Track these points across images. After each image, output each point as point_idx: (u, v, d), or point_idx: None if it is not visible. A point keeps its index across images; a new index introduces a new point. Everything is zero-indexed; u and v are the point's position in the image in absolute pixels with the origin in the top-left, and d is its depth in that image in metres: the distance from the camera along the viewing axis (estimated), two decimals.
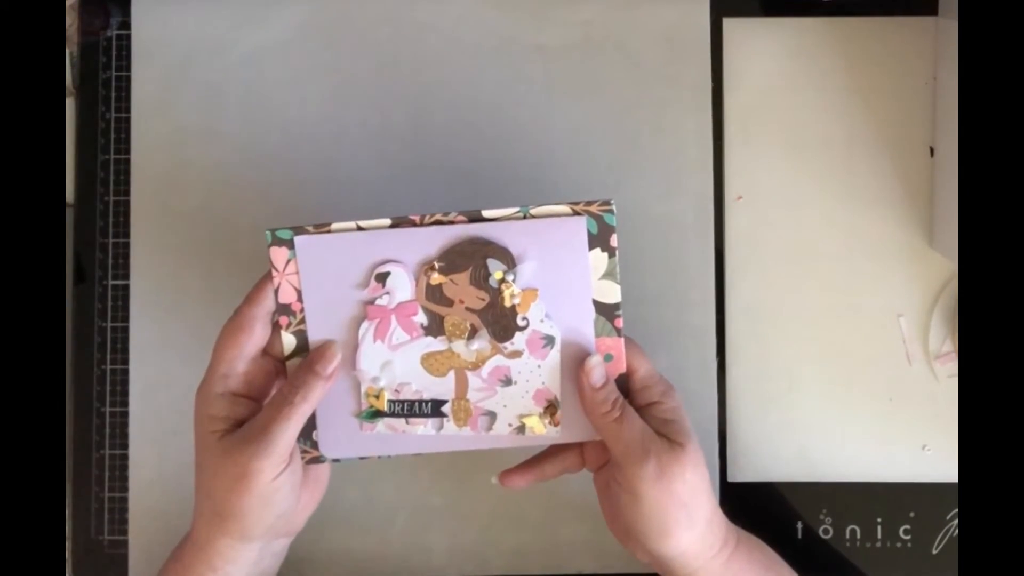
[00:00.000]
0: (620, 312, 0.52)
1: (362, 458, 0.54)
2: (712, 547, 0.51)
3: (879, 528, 0.60)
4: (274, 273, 0.52)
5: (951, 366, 0.61)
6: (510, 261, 0.52)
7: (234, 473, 0.48)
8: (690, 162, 0.61)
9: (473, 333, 0.52)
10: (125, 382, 0.61)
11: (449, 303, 0.52)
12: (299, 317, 0.52)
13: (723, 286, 0.61)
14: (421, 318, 0.52)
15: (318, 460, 0.53)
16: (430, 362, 0.52)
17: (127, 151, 0.62)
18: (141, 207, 0.62)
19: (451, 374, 0.52)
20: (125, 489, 0.61)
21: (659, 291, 0.61)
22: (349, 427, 0.53)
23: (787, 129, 0.62)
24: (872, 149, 0.61)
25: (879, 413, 0.61)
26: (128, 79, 0.62)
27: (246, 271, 0.61)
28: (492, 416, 0.53)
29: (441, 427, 0.53)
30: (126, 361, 0.61)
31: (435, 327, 0.52)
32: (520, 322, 0.52)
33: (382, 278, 0.52)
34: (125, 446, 0.61)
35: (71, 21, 0.63)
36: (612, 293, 0.52)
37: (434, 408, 0.53)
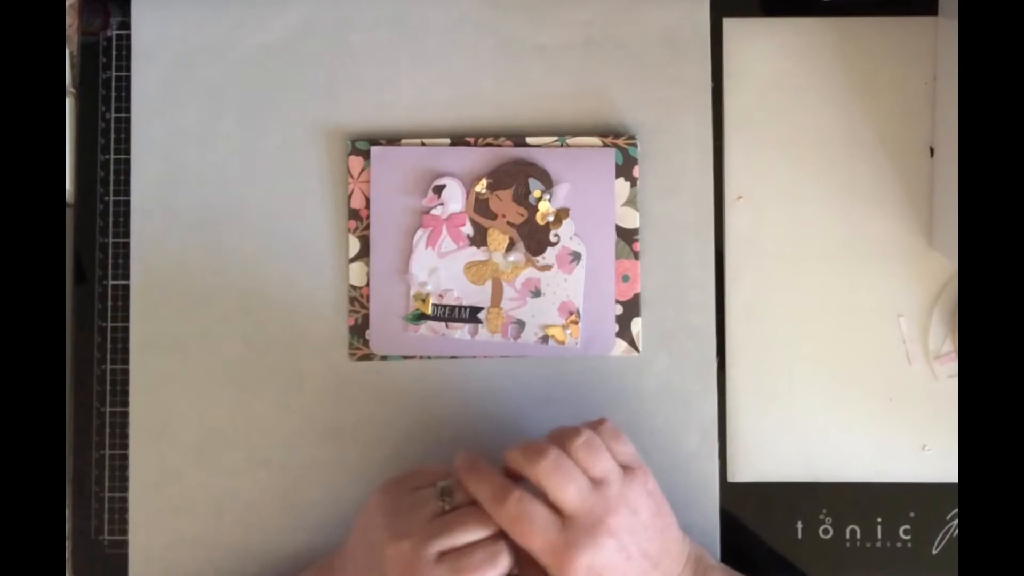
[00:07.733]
0: (638, 237, 0.60)
1: (406, 357, 0.60)
2: None
3: (879, 528, 0.60)
4: (349, 180, 0.60)
5: (951, 366, 0.61)
6: (548, 182, 0.59)
7: None
8: (690, 162, 0.61)
9: (511, 246, 0.59)
10: (125, 382, 0.61)
11: (493, 216, 0.59)
12: (364, 223, 0.60)
13: (723, 286, 0.61)
14: (468, 229, 0.60)
15: (368, 357, 0.60)
16: (472, 271, 0.59)
17: (127, 151, 0.62)
18: (141, 207, 0.62)
19: (488, 283, 0.59)
20: (125, 489, 0.61)
21: (659, 291, 0.61)
22: (397, 328, 0.60)
23: (787, 129, 0.62)
24: (872, 149, 0.61)
25: (879, 413, 0.61)
26: (128, 79, 0.62)
27: (246, 271, 0.61)
28: (521, 325, 0.59)
29: (476, 333, 0.59)
30: (126, 361, 0.61)
31: (479, 238, 0.59)
32: (552, 238, 0.59)
33: (439, 190, 0.59)
34: (125, 446, 0.61)
35: (71, 21, 0.62)
36: (632, 219, 0.60)
37: (471, 314, 0.59)
